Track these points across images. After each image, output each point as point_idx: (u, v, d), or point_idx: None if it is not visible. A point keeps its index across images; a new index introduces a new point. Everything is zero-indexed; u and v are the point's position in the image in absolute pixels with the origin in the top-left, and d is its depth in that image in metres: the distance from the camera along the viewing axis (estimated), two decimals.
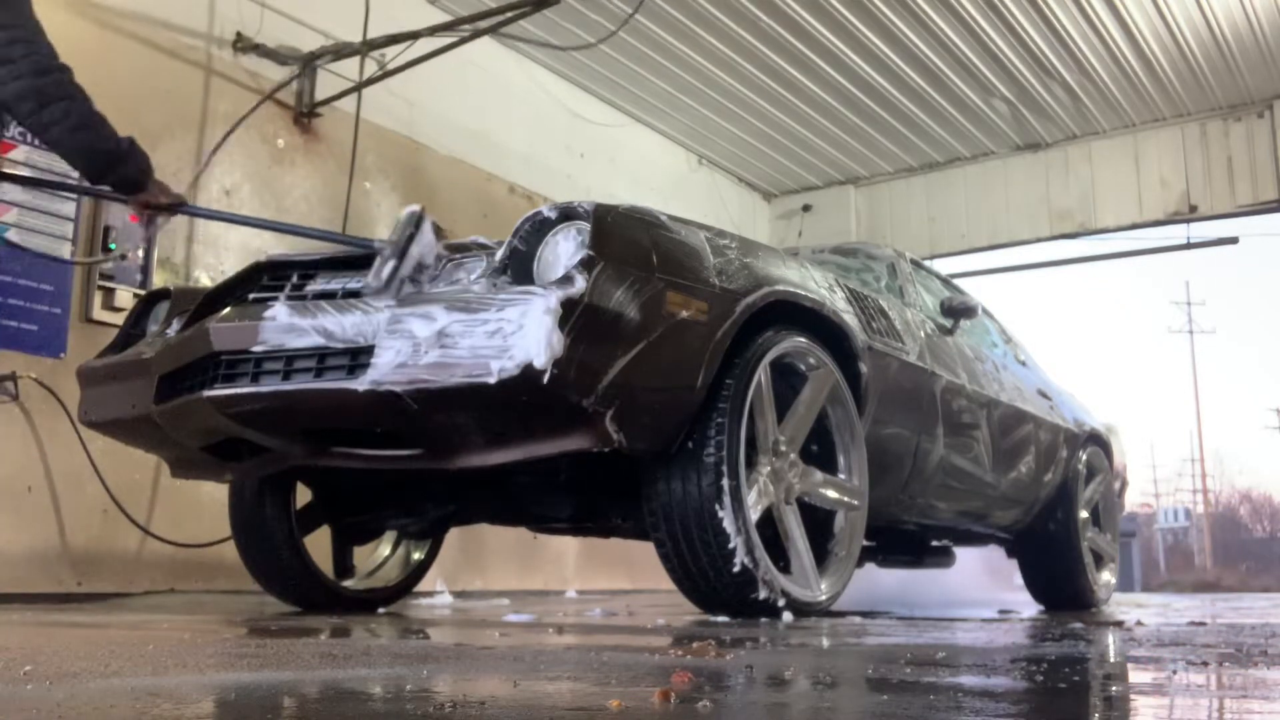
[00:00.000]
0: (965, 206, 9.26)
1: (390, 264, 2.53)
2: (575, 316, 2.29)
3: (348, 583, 3.75)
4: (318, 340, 2.51)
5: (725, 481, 2.64)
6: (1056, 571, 4.98)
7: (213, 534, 4.65)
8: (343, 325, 2.49)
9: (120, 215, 4.75)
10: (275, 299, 2.72)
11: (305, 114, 5.74)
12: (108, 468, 4.48)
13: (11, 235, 4.48)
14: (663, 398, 2.58)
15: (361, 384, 2.41)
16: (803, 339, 3.00)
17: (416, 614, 3.66)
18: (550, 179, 7.38)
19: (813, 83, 7.75)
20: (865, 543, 3.34)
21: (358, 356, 2.47)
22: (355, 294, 2.66)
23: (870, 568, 4.93)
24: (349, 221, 5.85)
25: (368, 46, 5.80)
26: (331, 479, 3.50)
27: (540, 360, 2.25)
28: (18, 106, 2.75)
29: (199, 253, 5.16)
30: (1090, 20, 6.92)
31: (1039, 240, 9.08)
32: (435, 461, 2.69)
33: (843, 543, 3.15)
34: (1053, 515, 4.87)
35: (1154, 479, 48.09)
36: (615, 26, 6.52)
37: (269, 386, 2.56)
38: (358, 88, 5.89)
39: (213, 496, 4.71)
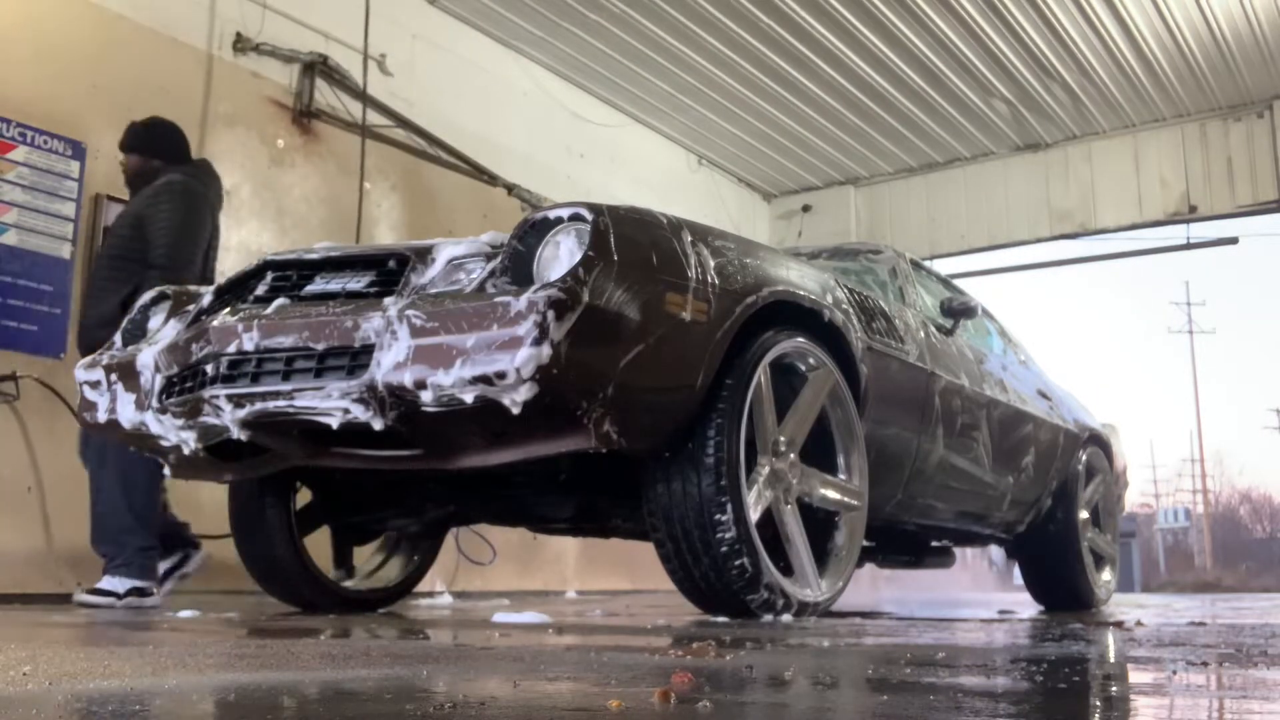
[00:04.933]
0: (965, 207, 9.27)
1: None
2: (574, 317, 2.28)
3: (348, 583, 3.75)
4: (318, 340, 2.52)
5: (725, 482, 2.64)
6: (1056, 572, 4.98)
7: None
8: (343, 325, 2.50)
9: None
10: (277, 298, 2.72)
11: (304, 115, 5.74)
12: None
13: (10, 236, 4.48)
14: (662, 398, 2.58)
15: (361, 384, 2.42)
16: (802, 339, 2.99)
17: (416, 614, 3.66)
18: (550, 179, 7.38)
19: (813, 83, 7.76)
20: (865, 543, 3.33)
21: (358, 357, 2.47)
22: (356, 294, 2.66)
23: (870, 567, 4.93)
24: (361, 225, 5.85)
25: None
26: (331, 479, 3.50)
27: (539, 361, 2.25)
28: None
29: None
30: (1090, 20, 6.92)
31: (1039, 240, 9.09)
32: (435, 462, 2.69)
33: (842, 543, 3.15)
34: (1053, 516, 4.87)
35: (1154, 479, 48.11)
36: (615, 27, 6.53)
37: (269, 386, 2.56)
38: (360, 95, 5.89)
39: (213, 497, 4.71)
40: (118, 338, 3.28)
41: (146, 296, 3.39)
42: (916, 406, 3.67)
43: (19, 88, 4.57)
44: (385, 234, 6.16)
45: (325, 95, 5.86)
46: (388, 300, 2.52)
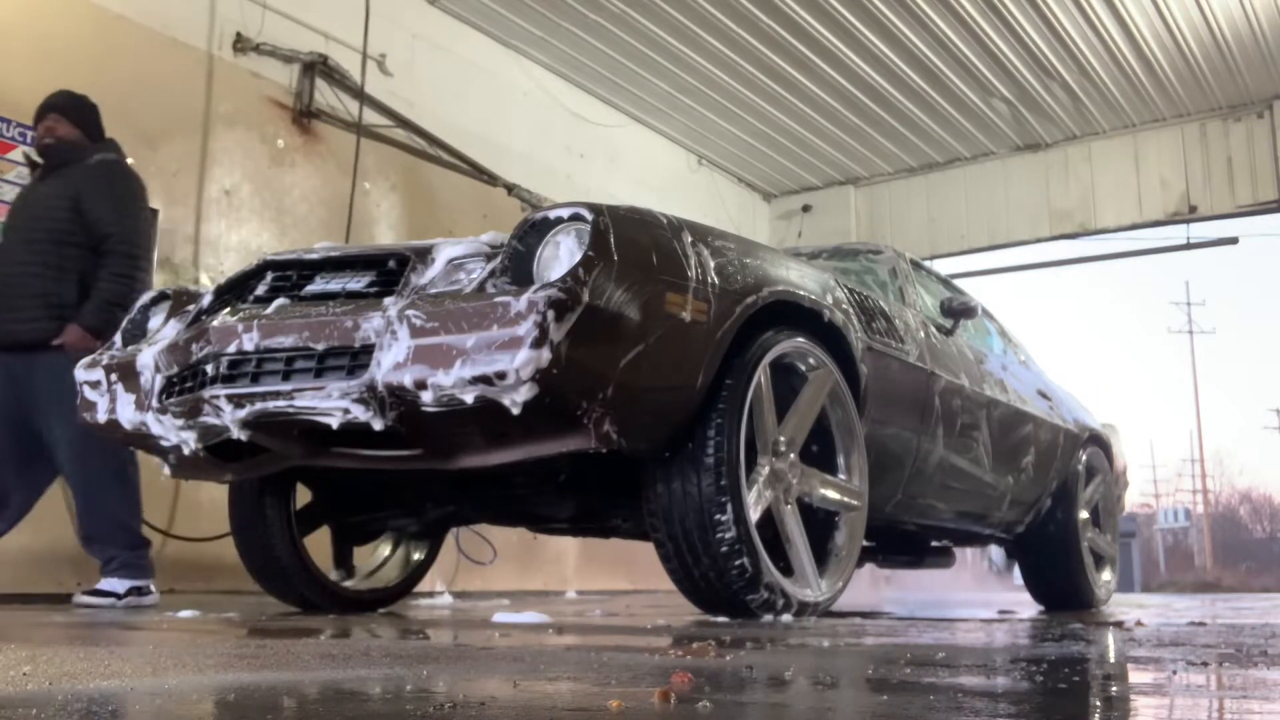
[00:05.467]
0: (965, 207, 9.27)
1: None
2: (574, 317, 2.28)
3: (348, 583, 3.75)
4: (318, 340, 2.52)
5: (725, 482, 2.64)
6: (1056, 572, 4.98)
7: (211, 535, 4.66)
8: (343, 325, 2.50)
9: None
10: (277, 298, 2.72)
11: (304, 114, 5.74)
12: None
13: None
14: (662, 398, 2.58)
15: (361, 384, 2.42)
16: (802, 339, 2.99)
17: (416, 614, 3.66)
18: (550, 179, 7.38)
19: (813, 83, 7.76)
20: (865, 543, 3.33)
21: (358, 357, 2.47)
22: (356, 294, 2.66)
23: (870, 567, 4.92)
24: (353, 222, 5.86)
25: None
26: (331, 479, 3.50)
27: (539, 361, 2.25)
28: None
29: (199, 253, 5.16)
30: (1090, 20, 6.92)
31: (1039, 240, 9.09)
32: (435, 462, 2.69)
33: (842, 543, 3.15)
34: (1053, 516, 4.87)
35: (1154, 479, 48.10)
36: (615, 27, 6.52)
37: (269, 386, 2.56)
38: (359, 95, 5.89)
39: (212, 497, 4.71)
40: (118, 338, 3.28)
41: (146, 296, 3.40)
42: (916, 406, 3.67)
43: (19, 88, 4.57)
44: (385, 234, 6.16)
45: (325, 95, 5.86)
46: (388, 300, 2.52)
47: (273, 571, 3.51)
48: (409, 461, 2.72)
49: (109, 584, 3.77)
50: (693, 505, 2.65)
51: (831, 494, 3.11)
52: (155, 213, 4.91)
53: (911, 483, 3.75)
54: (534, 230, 2.51)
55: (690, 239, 2.68)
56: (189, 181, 5.14)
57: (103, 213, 3.83)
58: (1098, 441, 5.29)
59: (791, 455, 2.97)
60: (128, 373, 2.97)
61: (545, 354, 2.25)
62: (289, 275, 2.85)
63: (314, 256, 2.87)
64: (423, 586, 4.28)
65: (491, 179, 6.93)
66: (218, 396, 2.62)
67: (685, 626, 2.62)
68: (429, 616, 3.50)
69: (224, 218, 5.29)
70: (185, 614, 3.20)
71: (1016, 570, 5.37)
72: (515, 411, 2.34)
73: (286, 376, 2.56)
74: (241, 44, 5.48)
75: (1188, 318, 43.86)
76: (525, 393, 2.30)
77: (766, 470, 2.86)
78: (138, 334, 3.27)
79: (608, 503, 3.30)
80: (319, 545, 3.64)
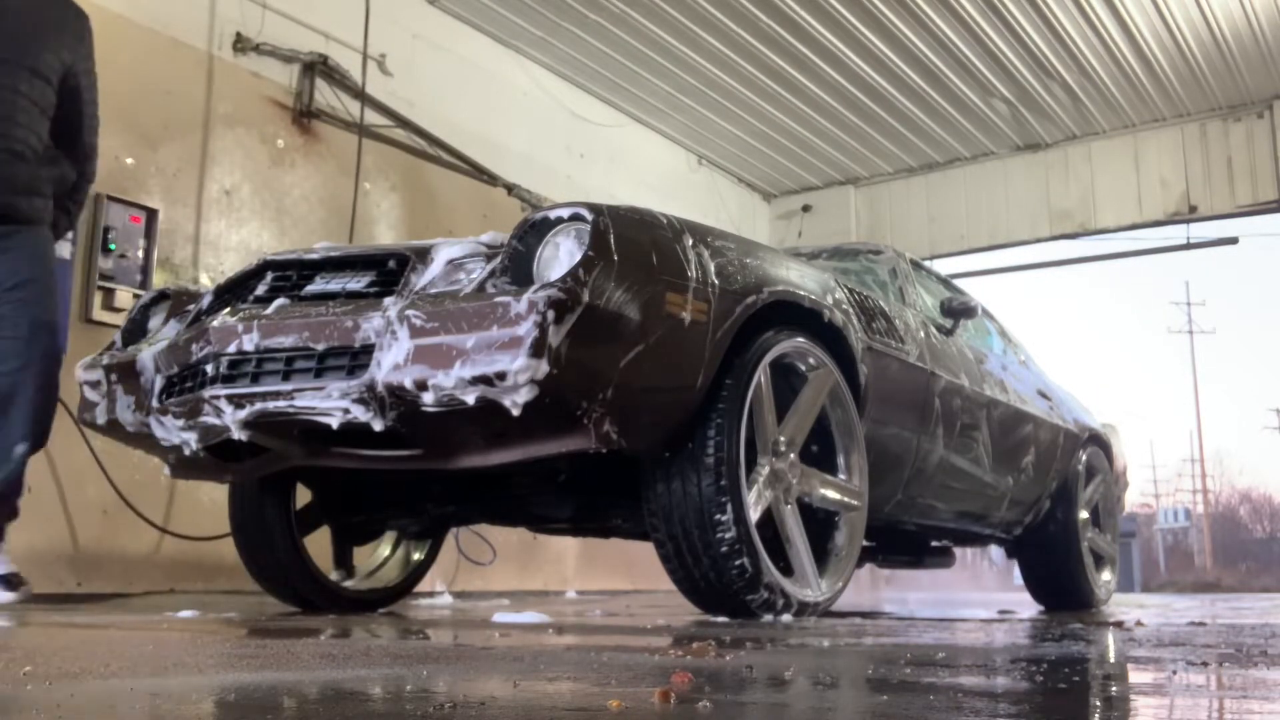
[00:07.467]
0: (965, 207, 9.27)
1: None
2: (574, 318, 2.29)
3: (348, 583, 3.75)
4: (318, 340, 2.52)
5: (725, 482, 2.64)
6: (1056, 572, 4.98)
7: (212, 535, 4.65)
8: (343, 325, 2.50)
9: (120, 216, 4.75)
10: (277, 298, 2.72)
11: (304, 114, 5.74)
12: (107, 468, 4.48)
13: None
14: (662, 398, 2.58)
15: (361, 384, 2.42)
16: (803, 339, 3.00)
17: (416, 614, 3.66)
18: (550, 179, 7.38)
19: (813, 83, 7.75)
20: (865, 543, 3.34)
21: (358, 357, 2.47)
22: (356, 294, 2.66)
23: (870, 567, 4.92)
24: (355, 223, 5.86)
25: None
26: (331, 479, 3.50)
27: (538, 362, 2.25)
28: None
29: (199, 253, 5.16)
30: (1090, 20, 6.92)
31: (1039, 240, 9.08)
32: (435, 462, 2.70)
33: (842, 543, 3.15)
34: (1053, 516, 4.87)
35: (1154, 479, 48.14)
36: (615, 27, 6.51)
37: (269, 386, 2.56)
38: (359, 95, 5.89)
39: (212, 497, 4.71)
40: (118, 338, 3.28)
41: (147, 296, 3.39)
42: (916, 406, 3.67)
43: None
44: (385, 234, 6.16)
45: (325, 95, 5.86)
46: (388, 300, 2.52)
47: (273, 571, 3.51)
48: (409, 461, 2.72)
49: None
50: (693, 505, 2.66)
51: (831, 494, 3.11)
52: (155, 212, 4.91)
53: (911, 483, 3.75)
54: (534, 230, 2.51)
55: (690, 239, 2.68)
56: (189, 181, 5.13)
57: (91, 116, 3.40)
58: (1098, 441, 5.30)
59: (791, 455, 2.97)
60: (127, 373, 2.98)
61: (544, 354, 2.25)
62: (289, 275, 2.85)
63: (314, 256, 2.87)
64: (423, 586, 4.28)
65: (491, 179, 6.92)
66: (218, 397, 2.63)
67: (685, 626, 2.62)
68: (429, 616, 3.50)
69: (224, 218, 5.29)
70: (185, 614, 3.20)
71: (1016, 570, 5.37)
72: (515, 412, 2.34)
73: (286, 376, 2.56)
74: (241, 44, 5.47)
75: (1188, 318, 43.99)
76: (525, 393, 2.30)
77: (766, 470, 2.86)
78: (138, 334, 3.27)
79: (608, 503, 3.30)
80: (319, 545, 3.65)
